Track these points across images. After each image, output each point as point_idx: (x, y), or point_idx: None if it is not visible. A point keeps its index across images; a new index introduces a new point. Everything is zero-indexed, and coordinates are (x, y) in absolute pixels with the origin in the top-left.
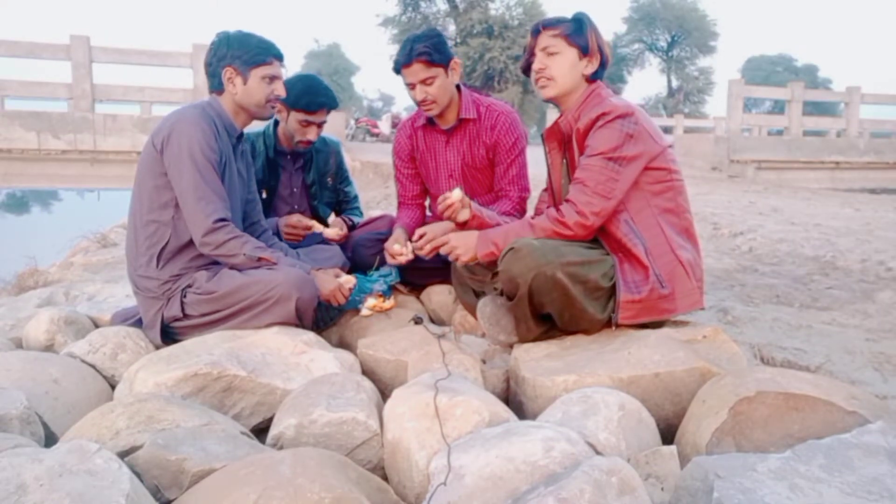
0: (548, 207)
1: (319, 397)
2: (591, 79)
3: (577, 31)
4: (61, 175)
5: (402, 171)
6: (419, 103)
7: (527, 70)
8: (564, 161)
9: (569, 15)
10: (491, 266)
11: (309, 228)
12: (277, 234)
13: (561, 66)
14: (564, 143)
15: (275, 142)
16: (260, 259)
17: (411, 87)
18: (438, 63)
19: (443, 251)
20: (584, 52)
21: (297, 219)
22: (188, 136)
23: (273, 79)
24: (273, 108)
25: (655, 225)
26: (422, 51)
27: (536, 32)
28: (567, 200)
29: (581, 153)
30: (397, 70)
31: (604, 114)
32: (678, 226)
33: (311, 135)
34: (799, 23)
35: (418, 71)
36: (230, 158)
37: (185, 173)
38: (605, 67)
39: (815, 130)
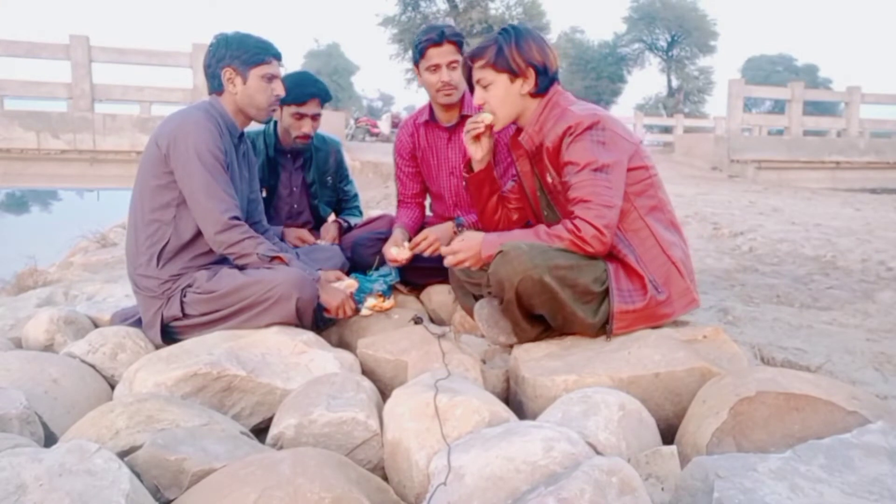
0: (516, 208)
1: (319, 397)
2: (538, 93)
3: (499, 54)
4: (61, 175)
5: (402, 168)
6: (441, 87)
7: None
8: (536, 174)
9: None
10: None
11: (313, 243)
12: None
13: (496, 97)
14: (531, 155)
15: (275, 140)
16: (272, 259)
17: (435, 68)
18: (462, 53)
19: (448, 262)
20: (514, 73)
21: (302, 234)
22: (195, 138)
23: (272, 78)
24: (273, 111)
25: (644, 227)
26: (454, 34)
27: (468, 67)
28: (577, 217)
29: (557, 171)
30: (422, 51)
31: (569, 127)
32: (664, 220)
33: (306, 127)
34: (799, 23)
35: (448, 52)
36: (233, 158)
37: (194, 174)
38: (546, 75)
39: (816, 130)
